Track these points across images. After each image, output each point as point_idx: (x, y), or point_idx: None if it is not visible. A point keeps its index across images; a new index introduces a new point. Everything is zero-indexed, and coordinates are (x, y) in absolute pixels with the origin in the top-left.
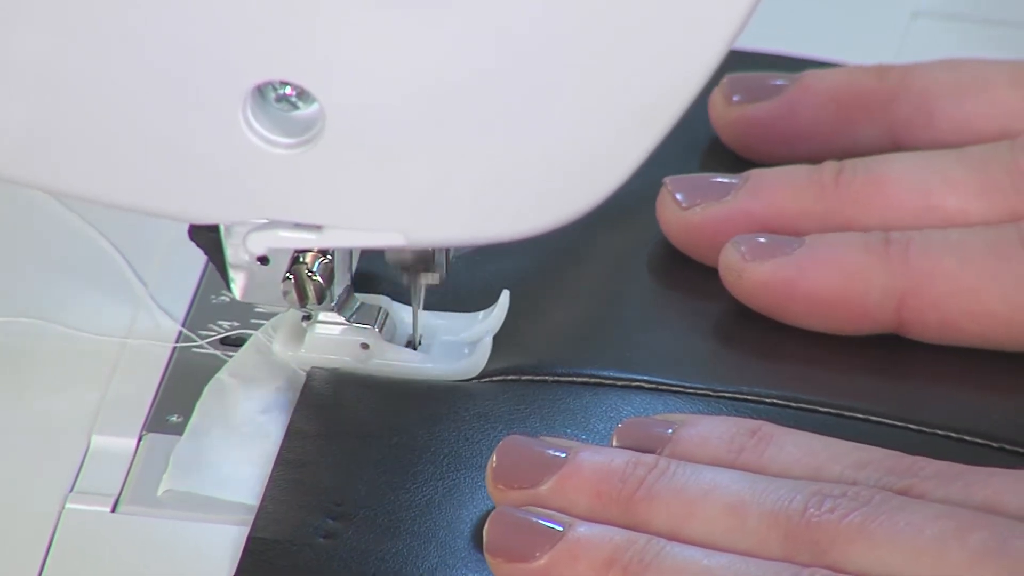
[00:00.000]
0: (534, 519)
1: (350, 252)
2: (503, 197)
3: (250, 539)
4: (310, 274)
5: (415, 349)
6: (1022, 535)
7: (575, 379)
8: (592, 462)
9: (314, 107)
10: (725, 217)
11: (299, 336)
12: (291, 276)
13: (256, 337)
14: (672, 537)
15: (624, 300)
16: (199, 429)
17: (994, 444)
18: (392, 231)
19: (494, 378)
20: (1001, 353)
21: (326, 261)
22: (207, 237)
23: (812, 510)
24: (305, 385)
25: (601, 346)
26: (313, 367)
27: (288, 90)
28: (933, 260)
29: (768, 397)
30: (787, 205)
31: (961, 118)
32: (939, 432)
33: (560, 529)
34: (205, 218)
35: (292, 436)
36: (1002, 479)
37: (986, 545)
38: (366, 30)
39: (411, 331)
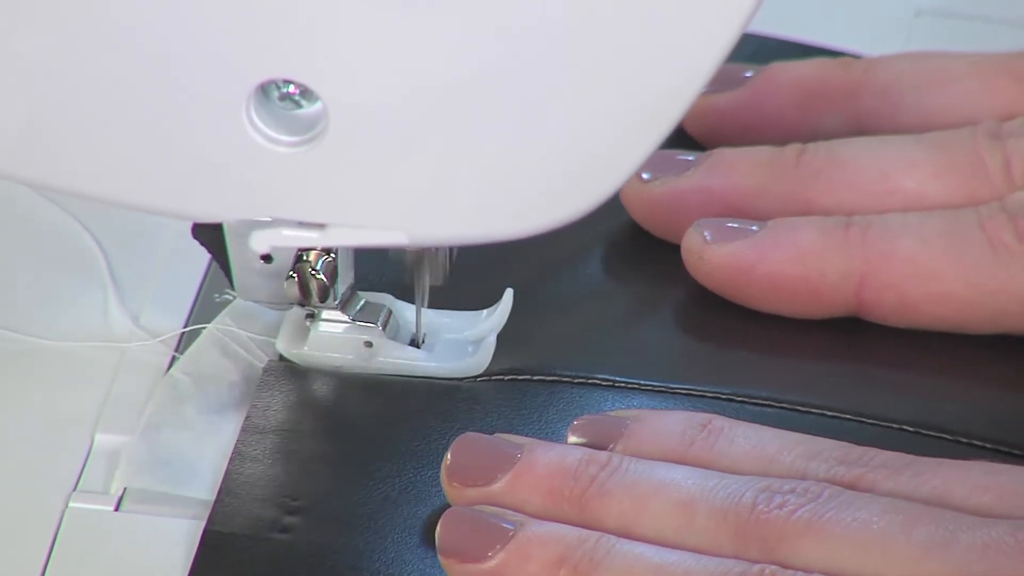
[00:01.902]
0: (485, 519)
1: (354, 250)
2: (506, 196)
3: (206, 533)
4: (313, 272)
5: (419, 347)
6: (969, 528)
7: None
8: (545, 460)
9: (317, 106)
10: (685, 192)
11: (302, 334)
12: (295, 274)
13: (209, 332)
14: (624, 535)
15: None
16: (152, 426)
17: (948, 436)
18: (395, 230)
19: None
20: (958, 341)
21: (329, 259)
22: (210, 235)
23: (761, 506)
24: (261, 380)
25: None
26: (269, 361)
27: (291, 88)
28: (892, 242)
29: (733, 395)
30: (747, 183)
31: (925, 110)
32: (894, 425)
33: (511, 529)
34: (208, 217)
35: (248, 431)
36: (951, 470)
37: (933, 539)
38: (369, 29)
39: (415, 330)
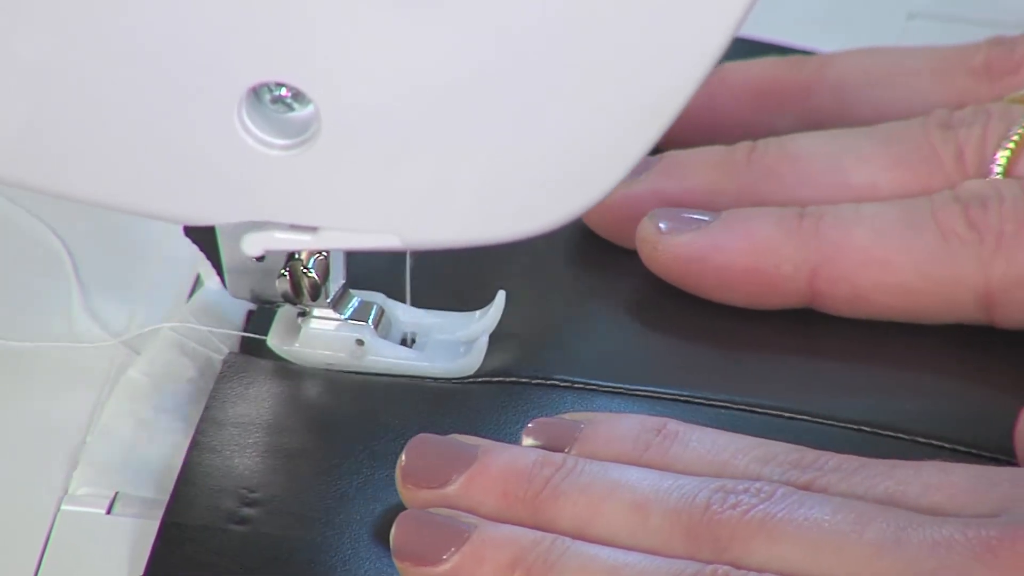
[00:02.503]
0: (440, 521)
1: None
2: (500, 198)
3: (163, 524)
4: (305, 271)
5: (410, 346)
6: (920, 526)
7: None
8: (499, 462)
9: (309, 108)
10: (638, 196)
11: (294, 332)
12: (286, 273)
13: (165, 331)
14: (578, 536)
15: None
16: (109, 428)
17: (904, 436)
18: (388, 233)
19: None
20: (913, 334)
21: (321, 258)
22: (202, 236)
23: (714, 507)
24: (221, 371)
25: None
26: (229, 353)
27: (283, 91)
28: (845, 232)
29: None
30: (700, 183)
31: (878, 105)
32: (850, 426)
33: (466, 531)
34: (200, 219)
35: (207, 422)
36: (903, 470)
37: (884, 537)
38: (362, 31)
39: (406, 329)
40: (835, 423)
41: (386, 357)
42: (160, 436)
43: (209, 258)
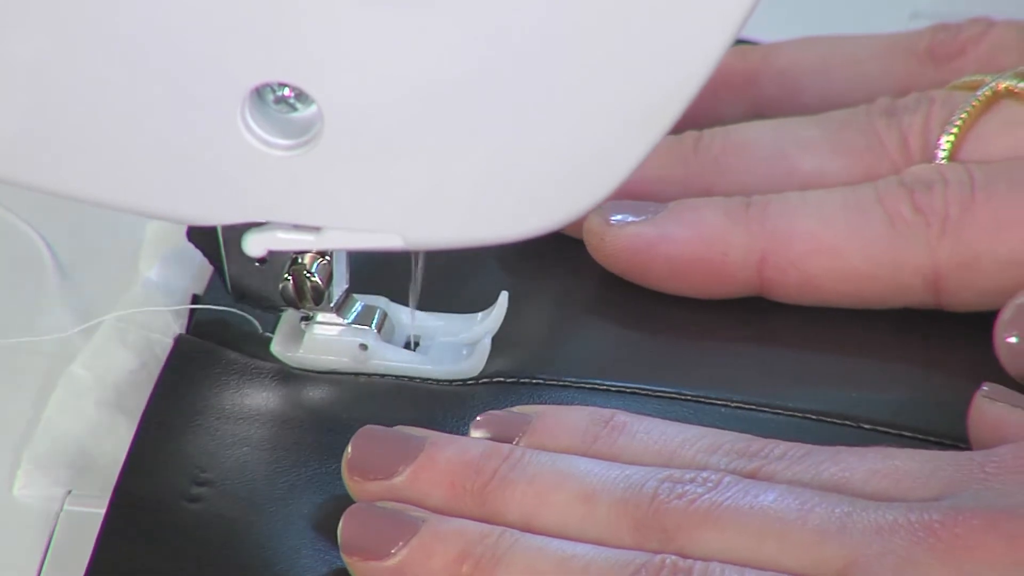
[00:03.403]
0: (387, 515)
1: (348, 253)
2: (502, 198)
3: (115, 495)
4: (308, 275)
5: (414, 350)
6: (864, 511)
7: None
8: (447, 453)
9: (312, 109)
10: None
11: (297, 337)
12: (289, 277)
13: (108, 324)
14: (525, 527)
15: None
16: (52, 424)
17: (851, 424)
18: (391, 233)
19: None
20: (861, 320)
21: (324, 262)
22: (205, 238)
23: (661, 497)
24: (174, 350)
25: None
26: (180, 335)
27: (286, 92)
28: (792, 220)
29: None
30: (647, 173)
31: (824, 93)
32: (797, 414)
33: (414, 524)
34: (203, 220)
35: (157, 399)
36: (849, 457)
37: (828, 524)
38: (364, 31)
39: (410, 332)
40: (784, 411)
41: (390, 361)
42: (102, 431)
43: (212, 263)
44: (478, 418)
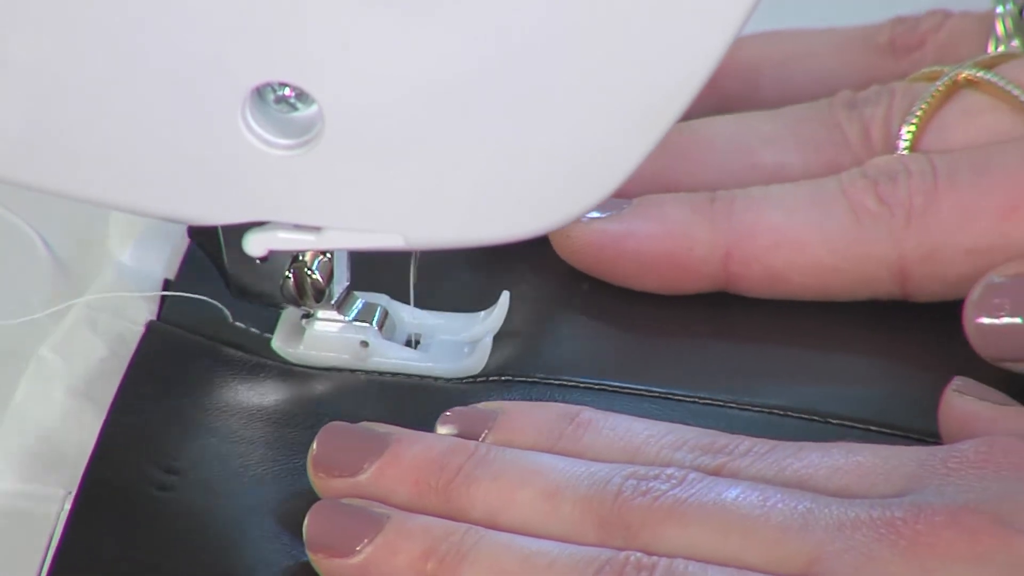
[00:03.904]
0: (352, 512)
1: (349, 251)
2: (504, 198)
3: (83, 483)
4: (309, 273)
5: (415, 348)
6: (827, 507)
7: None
8: (412, 450)
9: (313, 108)
10: None
11: (298, 334)
12: (290, 275)
13: (78, 308)
14: (490, 525)
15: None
16: (22, 411)
17: (817, 418)
18: (391, 233)
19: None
20: (827, 314)
21: (325, 260)
22: (206, 237)
23: (625, 493)
24: (145, 337)
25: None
26: (152, 322)
27: (287, 91)
28: (757, 214)
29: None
30: None
31: (785, 87)
32: (763, 409)
33: (379, 522)
34: (204, 220)
35: (127, 388)
36: (812, 453)
37: (791, 520)
38: (365, 31)
39: (411, 330)
40: (750, 407)
41: (390, 358)
42: (73, 421)
43: (212, 261)
44: (444, 414)
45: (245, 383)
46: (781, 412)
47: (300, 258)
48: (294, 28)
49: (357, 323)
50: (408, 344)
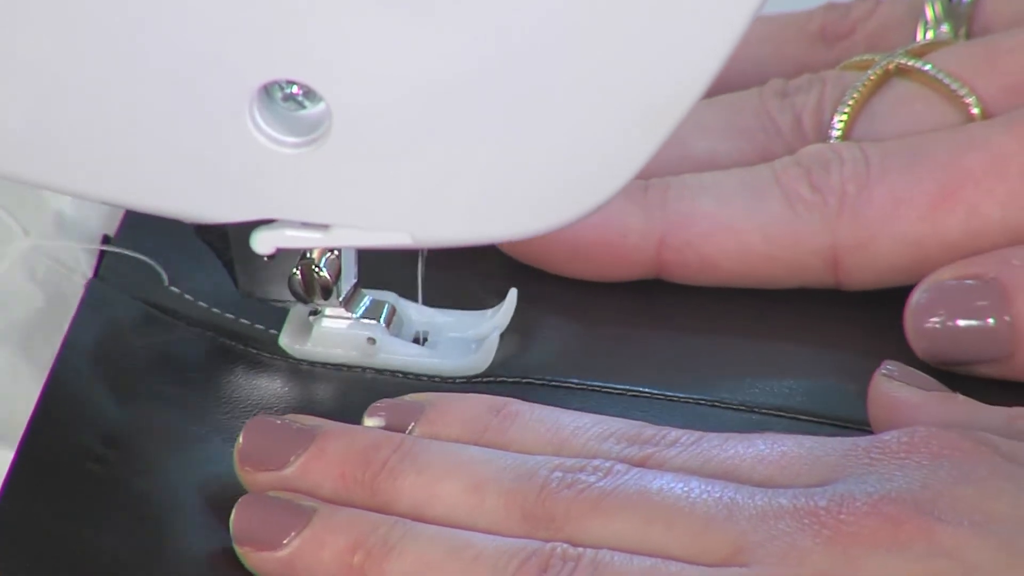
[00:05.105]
0: (279, 505)
1: (357, 249)
2: (511, 196)
3: (20, 451)
4: (316, 270)
5: (422, 344)
6: (750, 497)
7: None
8: (337, 443)
9: (321, 106)
10: None
11: (306, 331)
12: (298, 272)
13: (20, 252)
14: (417, 517)
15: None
16: None
17: (744, 408)
18: (399, 231)
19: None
20: (759, 303)
21: (333, 257)
22: (213, 235)
23: (550, 486)
24: (85, 304)
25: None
26: (92, 281)
27: (295, 89)
28: (690, 201)
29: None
30: None
31: (718, 76)
32: (691, 400)
33: (305, 515)
34: (212, 218)
35: (68, 351)
36: (737, 443)
37: (714, 510)
38: (372, 29)
39: (418, 328)
40: (679, 398)
41: (397, 355)
42: (7, 377)
43: (220, 259)
44: (373, 405)
45: (184, 348)
46: (709, 403)
47: (308, 255)
48: (301, 26)
49: (364, 320)
50: (416, 342)
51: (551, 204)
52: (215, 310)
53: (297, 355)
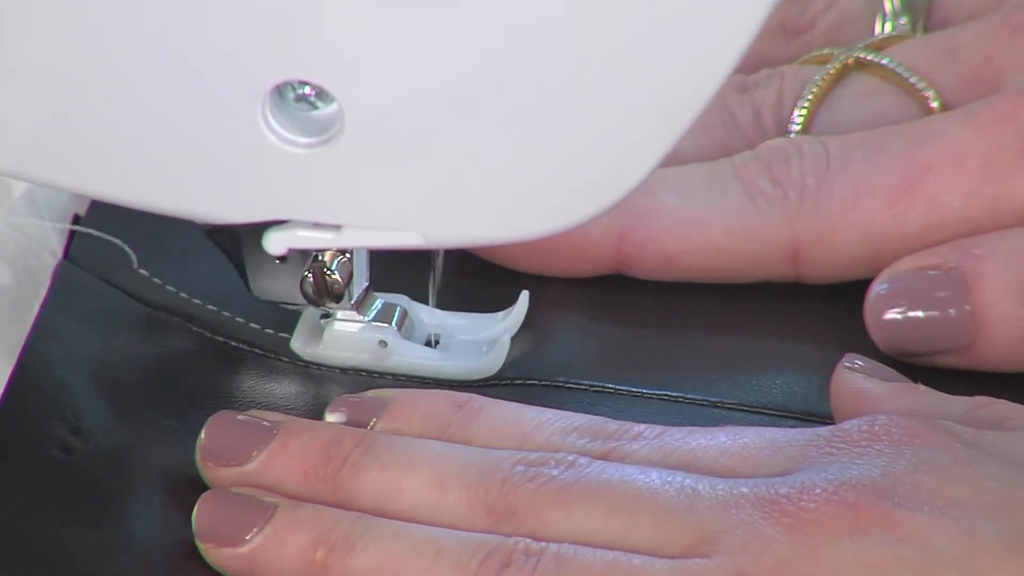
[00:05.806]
0: (241, 501)
1: (369, 251)
2: (523, 197)
3: None
4: (328, 273)
5: (433, 347)
6: (712, 486)
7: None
8: (299, 439)
9: (333, 107)
10: None
11: (317, 334)
12: (310, 274)
13: None
14: (379, 513)
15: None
16: None
17: (705, 402)
18: (411, 231)
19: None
20: (720, 297)
21: (344, 260)
22: (225, 236)
23: (512, 480)
24: (55, 287)
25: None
26: (63, 263)
27: (307, 90)
28: (651, 196)
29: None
30: None
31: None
32: (654, 395)
33: (268, 511)
34: (223, 218)
35: (38, 335)
36: (699, 436)
37: (675, 502)
38: (385, 29)
39: (430, 331)
40: (641, 393)
41: (409, 358)
42: None
43: (231, 260)
44: (333, 401)
45: (151, 337)
46: (672, 398)
47: (319, 258)
48: (314, 27)
49: (376, 323)
50: (427, 345)
51: (563, 204)
52: (183, 295)
53: (309, 358)
